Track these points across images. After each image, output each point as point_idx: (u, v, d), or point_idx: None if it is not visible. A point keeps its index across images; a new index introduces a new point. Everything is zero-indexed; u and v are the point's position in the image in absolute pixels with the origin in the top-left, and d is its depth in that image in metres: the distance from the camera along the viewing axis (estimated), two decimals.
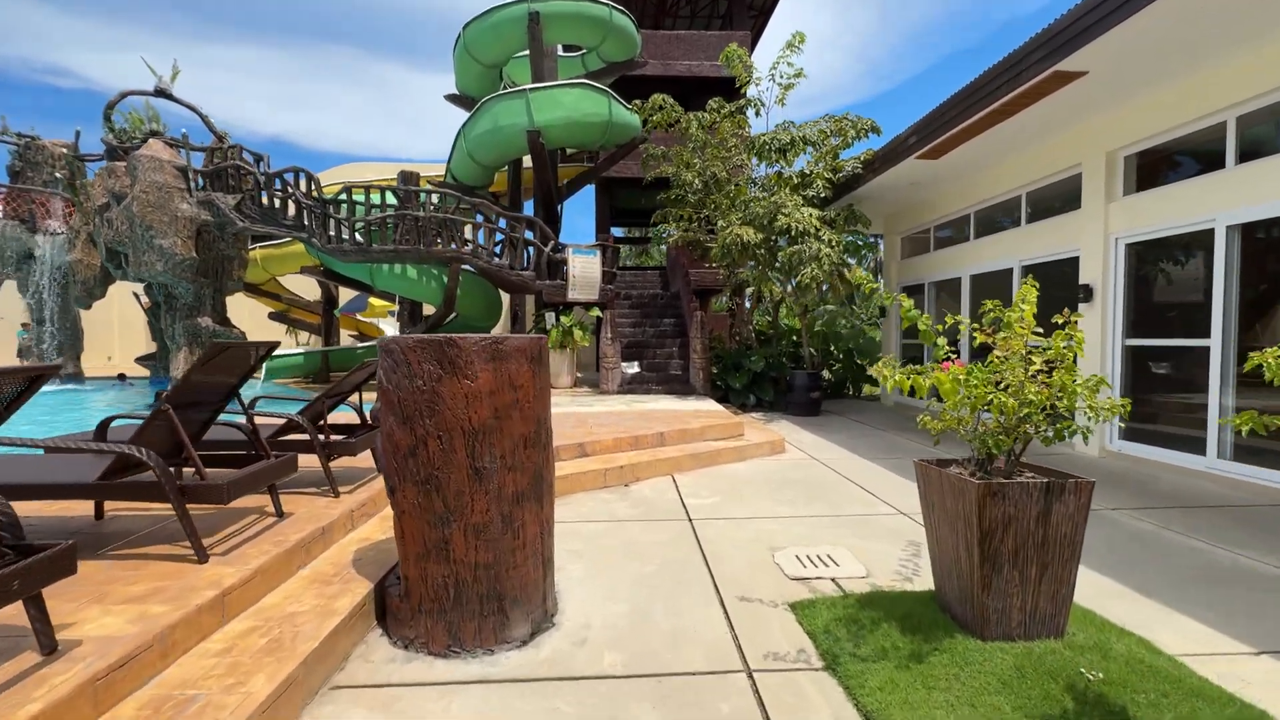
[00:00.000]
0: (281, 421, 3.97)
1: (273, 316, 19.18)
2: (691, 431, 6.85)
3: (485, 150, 11.87)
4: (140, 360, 15.19)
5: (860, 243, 9.19)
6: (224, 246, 10.66)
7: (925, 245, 10.75)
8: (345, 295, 17.91)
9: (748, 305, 13.92)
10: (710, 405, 9.09)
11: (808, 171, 10.11)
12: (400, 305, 13.93)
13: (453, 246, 10.62)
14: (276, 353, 13.06)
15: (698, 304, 11.84)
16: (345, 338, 20.02)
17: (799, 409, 10.29)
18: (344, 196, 10.48)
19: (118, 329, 24.02)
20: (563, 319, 11.55)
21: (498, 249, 11.35)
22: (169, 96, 10.96)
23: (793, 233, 9.12)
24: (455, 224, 10.65)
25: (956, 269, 9.55)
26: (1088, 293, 6.84)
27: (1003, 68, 5.78)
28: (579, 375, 13.63)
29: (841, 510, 4.75)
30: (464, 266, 12.21)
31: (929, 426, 2.83)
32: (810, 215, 8.93)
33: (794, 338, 12.88)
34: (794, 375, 10.40)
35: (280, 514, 3.44)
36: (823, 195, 9.76)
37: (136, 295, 15.63)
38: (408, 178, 11.21)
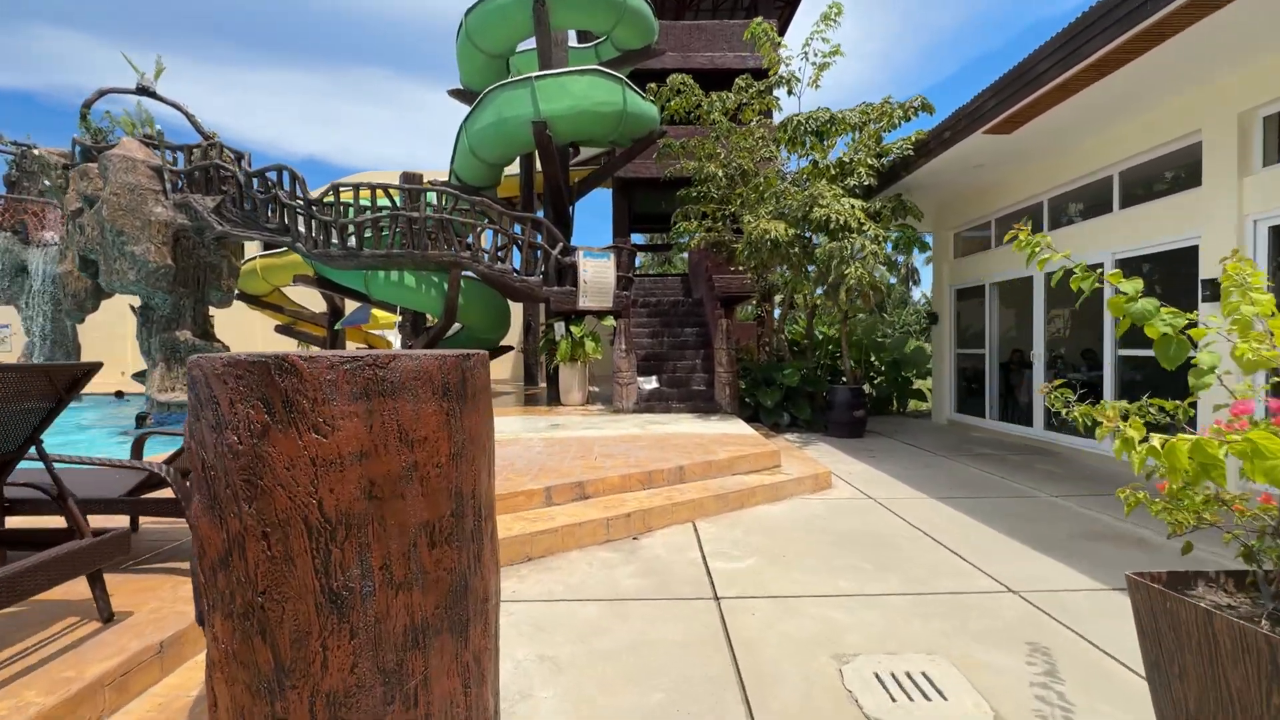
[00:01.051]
0: (141, 475, 2.87)
1: (280, 330, 18.48)
2: (718, 464, 5.62)
3: (488, 145, 10.88)
4: (137, 376, 14.51)
5: (908, 239, 7.90)
6: (205, 253, 9.81)
7: (984, 240, 9.39)
8: (353, 307, 17.13)
9: (777, 313, 12.66)
10: (739, 427, 7.85)
11: (847, 160, 8.87)
12: (402, 316, 13.00)
13: (451, 250, 9.60)
14: None
15: (723, 312, 10.62)
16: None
17: (840, 429, 8.98)
18: (331, 197, 9.54)
19: (130, 343, 23.69)
20: (573, 329, 10.44)
21: (501, 253, 10.31)
22: (152, 94, 10.22)
23: (831, 227, 7.88)
24: (454, 225, 9.64)
25: (1024, 268, 8.18)
26: (1213, 289, 5.46)
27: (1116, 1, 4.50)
28: (593, 390, 12.49)
29: (926, 585, 3.48)
30: (466, 273, 11.21)
31: (1166, 519, 1.58)
32: (852, 207, 7.68)
33: (831, 349, 11.57)
34: (834, 391, 9.11)
35: (106, 617, 2.32)
36: (866, 184, 8.50)
37: (132, 307, 14.99)
38: (409, 178, 10.29)
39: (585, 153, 15.71)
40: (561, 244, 10.21)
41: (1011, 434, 8.60)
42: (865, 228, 7.70)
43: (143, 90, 10.15)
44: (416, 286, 11.23)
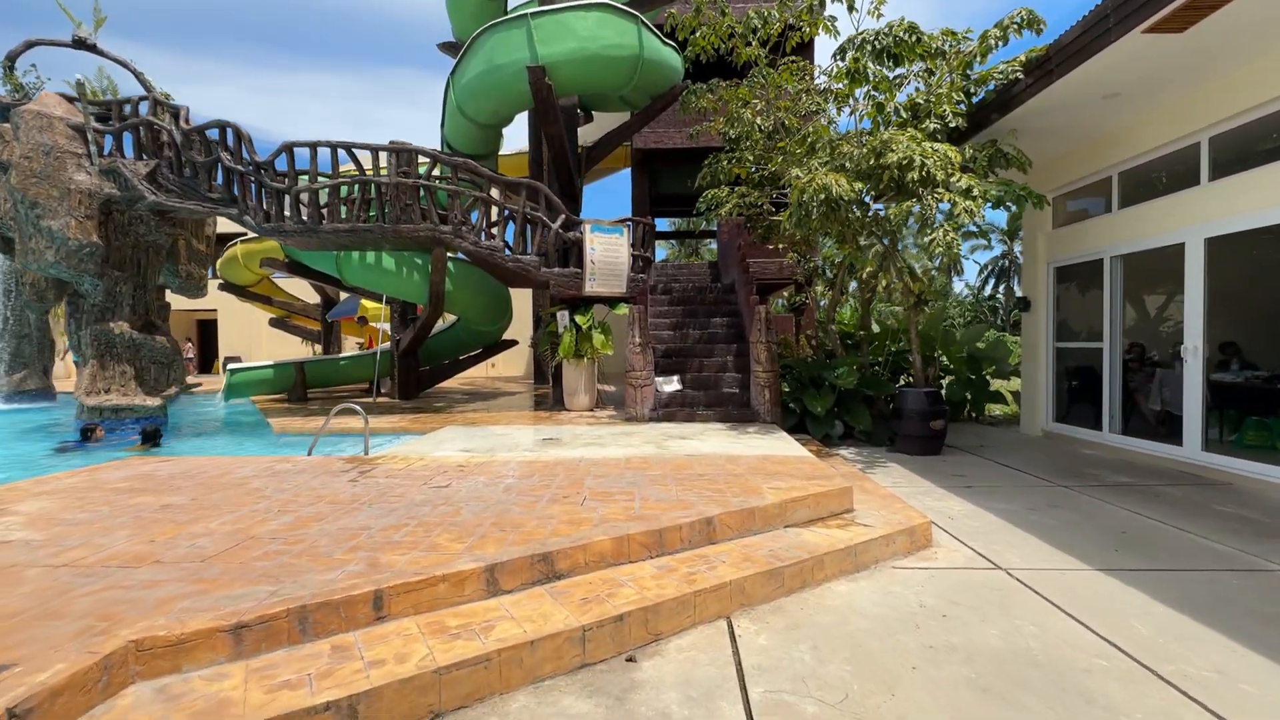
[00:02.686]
0: None
1: (274, 324, 17.20)
2: (765, 512, 3.79)
3: (478, 100, 9.16)
4: None
5: (1018, 196, 5.84)
6: (146, 231, 8.30)
7: (1101, 202, 7.31)
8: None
9: (823, 301, 10.72)
10: (785, 444, 5.99)
11: (921, 100, 6.89)
12: (391, 307, 11.42)
13: (429, 224, 7.91)
14: (240, 365, 10.72)
15: (759, 298, 8.75)
16: (351, 345, 17.88)
17: (912, 444, 7.05)
18: (285, 162, 7.93)
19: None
20: (578, 319, 8.68)
21: (494, 228, 8.58)
22: (90, 48, 8.75)
23: (909, 179, 5.94)
24: (433, 194, 7.95)
25: (1173, 231, 6.11)
26: None
27: None
28: (606, 389, 10.73)
29: None
30: (457, 254, 9.55)
31: None
32: (943, 152, 5.74)
33: (890, 343, 9.58)
34: (903, 395, 7.18)
35: None
36: (952, 126, 6.53)
37: None
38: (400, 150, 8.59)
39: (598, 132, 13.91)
40: (564, 216, 8.44)
41: (1145, 453, 6.55)
42: (958, 180, 5.74)
43: (79, 43, 8.69)
44: (396, 270, 9.61)
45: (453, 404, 10.40)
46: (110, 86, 10.47)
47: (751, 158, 8.24)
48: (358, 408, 5.61)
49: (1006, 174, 6.92)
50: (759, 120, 7.64)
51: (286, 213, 7.85)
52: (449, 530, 3.29)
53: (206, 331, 25.30)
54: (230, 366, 10.55)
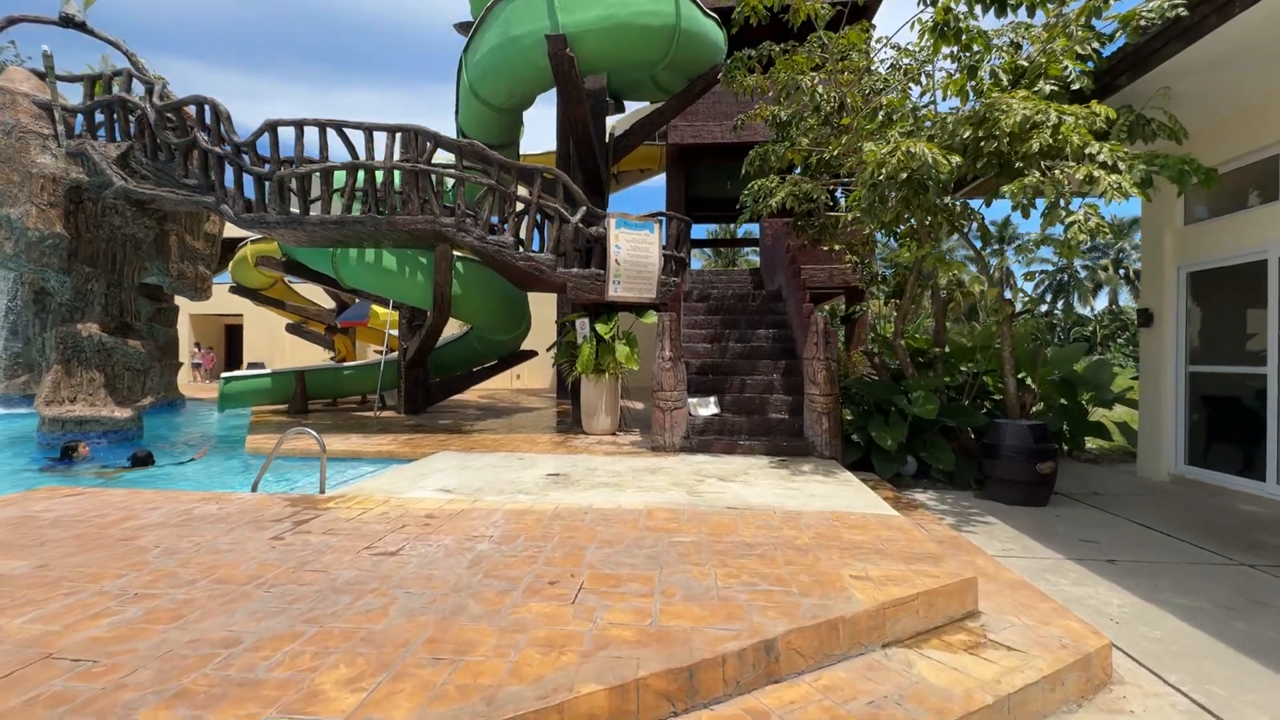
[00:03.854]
0: None
1: (291, 329, 16.52)
2: (855, 626, 2.44)
3: (493, 78, 8.10)
4: None
5: (1179, 171, 4.36)
6: (122, 223, 7.44)
7: (1269, 187, 5.75)
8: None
9: (874, 310, 9.32)
10: (857, 494, 4.62)
11: (1028, 60, 5.49)
12: (400, 312, 10.43)
13: (429, 215, 6.83)
14: (236, 373, 9.83)
15: (814, 307, 7.40)
16: (370, 354, 17.06)
17: (1011, 492, 5.59)
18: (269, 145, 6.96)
19: None
20: (599, 328, 7.46)
21: (506, 222, 7.46)
22: (79, 26, 8.04)
23: (1022, 155, 4.56)
24: (432, 180, 6.87)
25: None
26: None
27: None
28: (633, 407, 9.46)
29: None
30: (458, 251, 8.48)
31: None
32: (1084, 111, 4.35)
33: (966, 364, 8.05)
34: (1000, 430, 5.74)
35: None
36: (1076, 89, 5.11)
37: None
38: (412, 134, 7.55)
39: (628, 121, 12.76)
40: (585, 208, 7.27)
41: None
42: (1095, 151, 4.32)
43: (67, 21, 7.98)
44: (398, 270, 8.58)
45: (461, 421, 9.29)
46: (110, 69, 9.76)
47: (807, 141, 6.92)
48: (311, 432, 4.49)
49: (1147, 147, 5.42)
50: (819, 90, 6.31)
51: (270, 201, 6.87)
52: (355, 653, 2.06)
53: (234, 336, 25.04)
54: (224, 375, 9.68)
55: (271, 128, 6.74)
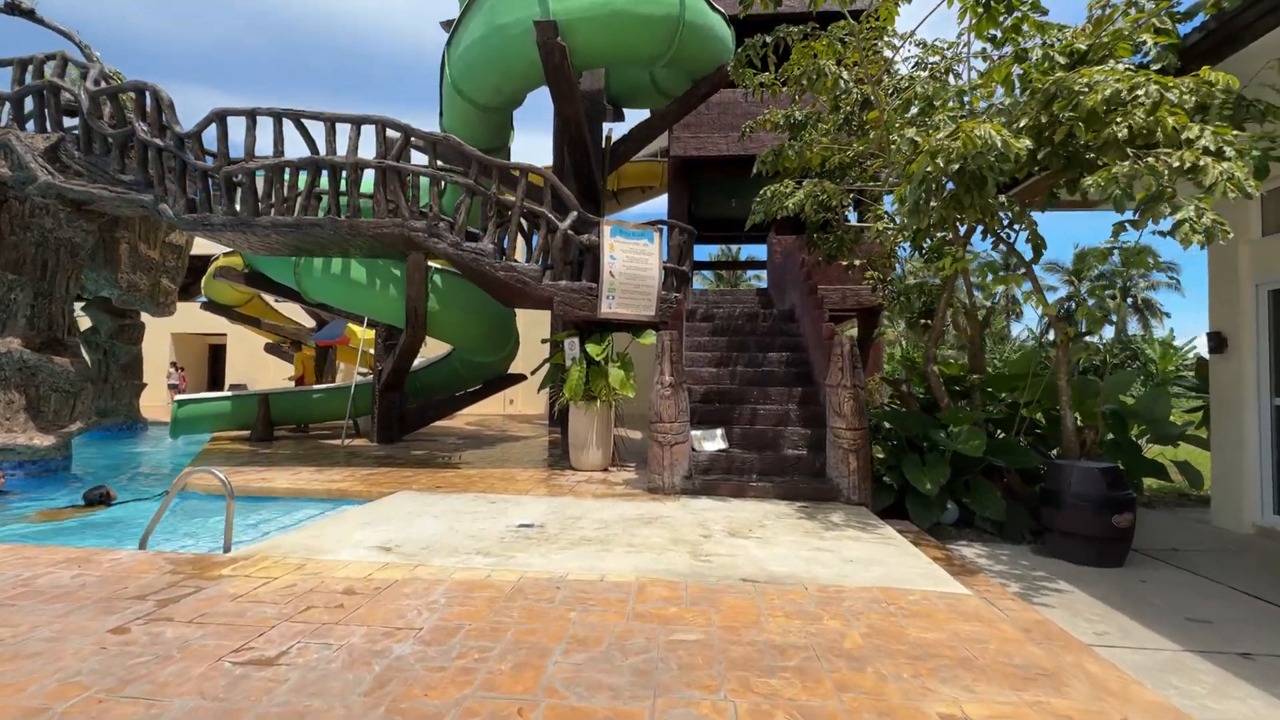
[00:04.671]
0: None
1: (270, 349, 15.65)
2: None
3: (478, 72, 7.34)
4: None
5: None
6: (55, 225, 6.60)
7: None
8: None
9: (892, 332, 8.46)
10: (904, 557, 3.66)
11: (1086, 40, 4.68)
12: (377, 330, 9.55)
13: (398, 219, 5.99)
14: (191, 396, 8.91)
15: (834, 328, 6.52)
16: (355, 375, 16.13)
17: (1080, 549, 4.62)
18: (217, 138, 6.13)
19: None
20: (590, 349, 6.57)
21: (492, 231, 6.60)
22: (26, 14, 7.32)
23: (1103, 141, 3.72)
24: (404, 179, 6.05)
25: None
26: None
27: None
28: (625, 436, 8.50)
29: None
30: (434, 262, 7.64)
31: None
32: (1184, 89, 3.52)
33: (1003, 394, 7.11)
34: (1064, 473, 4.79)
35: None
36: (1157, 68, 4.29)
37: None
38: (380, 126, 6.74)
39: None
40: (575, 213, 6.43)
41: None
42: (1194, 135, 3.47)
43: (12, 8, 7.26)
44: (367, 282, 7.73)
45: (438, 452, 8.34)
46: (115, 73, 9.06)
47: (826, 140, 6.11)
48: (215, 472, 3.57)
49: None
50: (844, 78, 5.49)
51: (216, 201, 6.04)
52: None
53: (217, 356, 24.17)
54: (178, 398, 8.76)
55: (219, 117, 5.93)
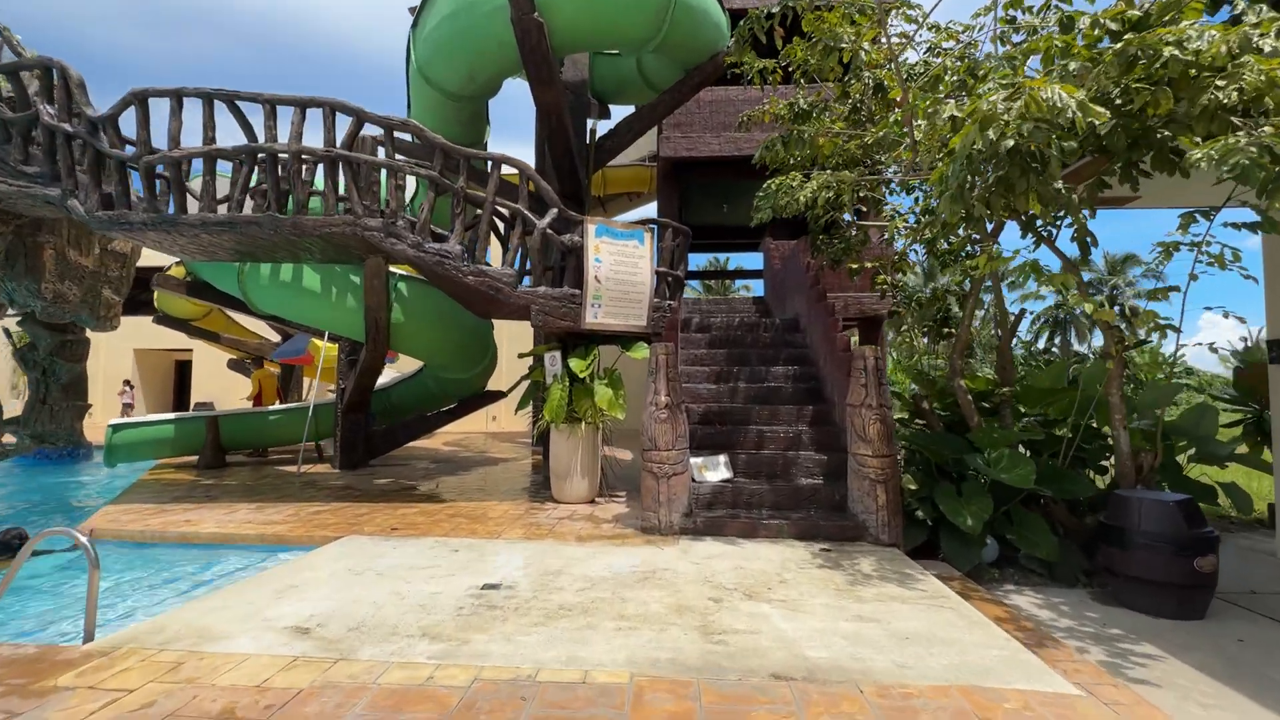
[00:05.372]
0: None
1: (233, 366, 14.67)
2: None
3: (446, 56, 6.58)
4: (8, 424, 10.61)
5: None
6: None
7: None
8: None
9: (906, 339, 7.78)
10: (980, 637, 2.87)
11: (1138, 11, 4.01)
12: (340, 345, 8.66)
13: (346, 216, 5.18)
14: (127, 420, 7.97)
15: (849, 337, 5.77)
16: (325, 393, 15.15)
17: (1156, 598, 3.88)
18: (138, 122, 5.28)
19: (101, 382, 20.49)
20: (574, 363, 5.77)
21: (455, 222, 5.79)
22: None
23: (1199, 110, 3.02)
24: (358, 170, 5.24)
25: None
26: None
27: None
28: (614, 458, 7.67)
29: None
30: (393, 268, 6.84)
31: None
32: None
33: (1037, 409, 6.37)
34: (1131, 506, 4.07)
35: None
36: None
37: (7, 331, 11.32)
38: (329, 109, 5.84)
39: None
40: (555, 211, 5.65)
41: None
42: None
43: None
44: (322, 291, 6.89)
45: (405, 479, 7.46)
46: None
47: (841, 125, 5.41)
48: (74, 534, 2.72)
49: None
50: (865, 47, 4.76)
51: (136, 196, 5.19)
52: None
53: (185, 373, 23.00)
54: (112, 422, 7.81)
55: (139, 98, 5.09)
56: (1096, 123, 3.25)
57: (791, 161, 5.86)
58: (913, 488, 4.74)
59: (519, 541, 4.38)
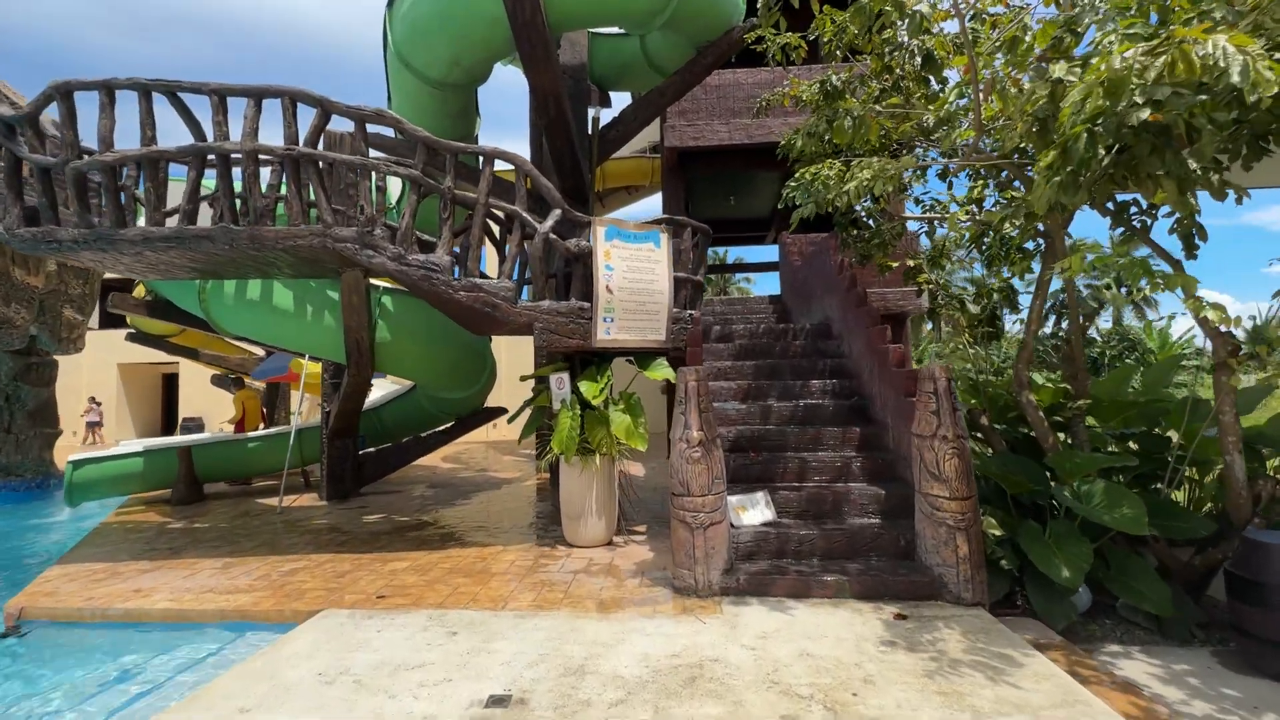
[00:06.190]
0: None
1: (216, 382, 13.89)
2: None
3: (427, 39, 5.80)
4: None
5: None
6: None
7: None
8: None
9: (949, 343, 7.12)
10: None
11: None
12: (324, 365, 7.90)
13: (314, 225, 4.40)
14: (88, 455, 7.21)
15: (903, 350, 5.01)
16: (316, 408, 14.40)
17: None
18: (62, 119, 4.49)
19: (85, 400, 19.69)
20: (585, 387, 5.01)
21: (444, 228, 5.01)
22: None
23: None
24: (328, 171, 4.47)
25: None
26: None
27: None
28: (625, 476, 6.92)
29: None
30: (377, 280, 6.09)
31: None
32: None
33: (1110, 423, 5.59)
34: (1270, 554, 3.32)
35: None
36: None
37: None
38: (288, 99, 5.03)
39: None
40: (559, 212, 4.88)
41: None
42: None
43: None
44: (295, 310, 6.12)
45: (398, 515, 6.73)
46: None
47: (897, 99, 4.64)
48: None
49: None
50: (926, 6, 3.97)
51: (64, 208, 4.40)
52: None
53: (172, 388, 22.19)
54: (72, 458, 7.05)
55: (62, 92, 4.28)
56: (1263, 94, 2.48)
57: (826, 149, 5.08)
58: (996, 533, 3.99)
59: (529, 616, 3.64)
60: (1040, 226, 4.69)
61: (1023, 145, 3.68)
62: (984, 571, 3.79)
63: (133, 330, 11.12)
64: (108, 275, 10.07)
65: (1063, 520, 4.11)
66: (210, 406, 19.21)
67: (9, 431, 9.72)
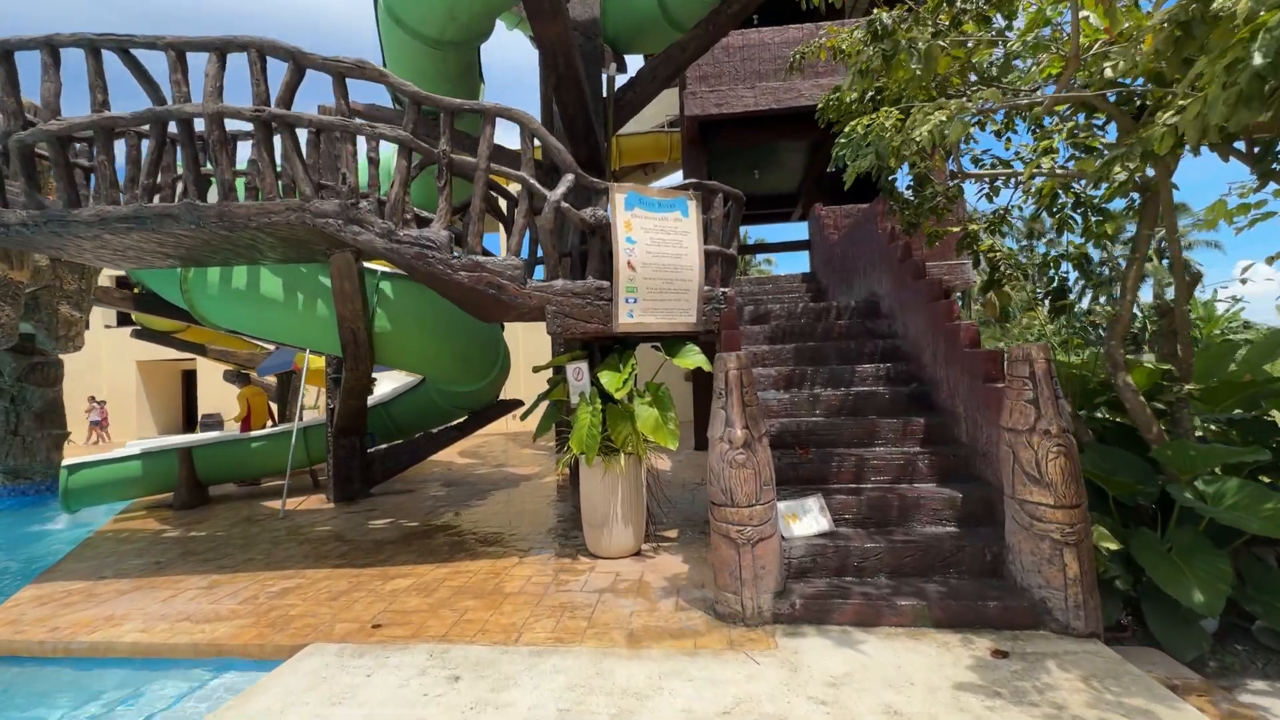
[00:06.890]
0: None
1: (229, 378, 13.56)
2: None
3: None
4: None
5: None
6: None
7: None
8: None
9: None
10: None
11: None
12: (326, 359, 7.40)
13: (290, 200, 3.82)
14: (84, 459, 6.82)
15: (975, 327, 4.29)
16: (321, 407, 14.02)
17: None
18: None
19: (107, 398, 19.68)
20: (606, 378, 4.39)
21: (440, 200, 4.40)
22: None
23: None
24: (318, 140, 3.88)
25: None
26: None
27: None
28: (654, 478, 6.31)
29: None
30: (375, 264, 5.54)
31: None
32: None
33: (1223, 408, 4.81)
34: None
35: None
36: None
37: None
38: (255, 52, 4.49)
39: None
40: (571, 179, 4.24)
41: None
42: None
43: None
44: (284, 299, 5.59)
45: (407, 520, 6.23)
46: None
47: (971, 25, 3.91)
48: None
49: None
50: None
51: (9, 188, 3.88)
52: None
53: (190, 383, 22.12)
54: (67, 462, 6.66)
55: (2, 53, 3.76)
56: None
57: (873, 101, 4.36)
58: (1110, 546, 3.29)
59: (547, 653, 3.05)
60: (1139, 179, 3.95)
61: (1154, 65, 2.92)
62: (1097, 595, 3.10)
63: (139, 327, 10.79)
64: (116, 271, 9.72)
65: (1187, 528, 3.40)
66: (229, 403, 19.02)
67: (16, 434, 9.45)
